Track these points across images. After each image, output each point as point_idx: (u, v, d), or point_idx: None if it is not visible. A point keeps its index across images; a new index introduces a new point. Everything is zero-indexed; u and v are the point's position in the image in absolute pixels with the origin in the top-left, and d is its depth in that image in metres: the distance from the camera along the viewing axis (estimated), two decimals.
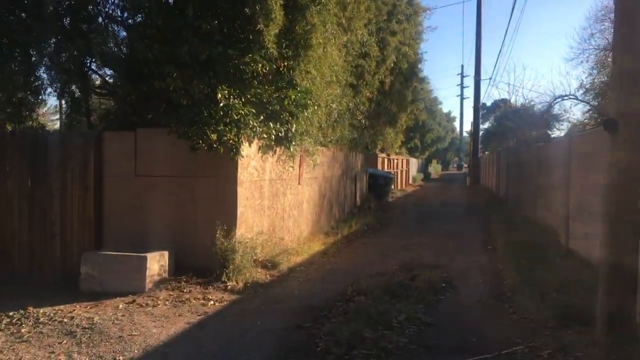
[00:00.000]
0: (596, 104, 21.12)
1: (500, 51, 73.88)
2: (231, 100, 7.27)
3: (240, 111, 7.33)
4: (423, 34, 21.46)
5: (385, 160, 28.18)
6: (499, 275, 8.30)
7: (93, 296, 6.65)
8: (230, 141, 7.36)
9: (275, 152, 9.14)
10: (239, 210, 7.87)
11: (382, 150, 26.06)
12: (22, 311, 6.01)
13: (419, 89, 27.23)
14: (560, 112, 24.79)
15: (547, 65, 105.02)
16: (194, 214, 7.90)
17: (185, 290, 6.87)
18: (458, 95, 61.00)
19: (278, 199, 9.56)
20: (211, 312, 6.11)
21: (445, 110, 61.08)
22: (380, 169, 25.12)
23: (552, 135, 24.89)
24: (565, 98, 22.57)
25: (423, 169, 54.76)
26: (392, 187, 25.52)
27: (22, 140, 8.15)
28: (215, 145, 7.26)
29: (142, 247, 7.40)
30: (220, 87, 7.16)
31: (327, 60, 10.20)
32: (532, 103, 24.81)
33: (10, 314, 5.93)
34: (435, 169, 65.16)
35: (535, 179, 13.88)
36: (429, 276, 7.83)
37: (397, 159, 32.57)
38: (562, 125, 25.88)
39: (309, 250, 10.06)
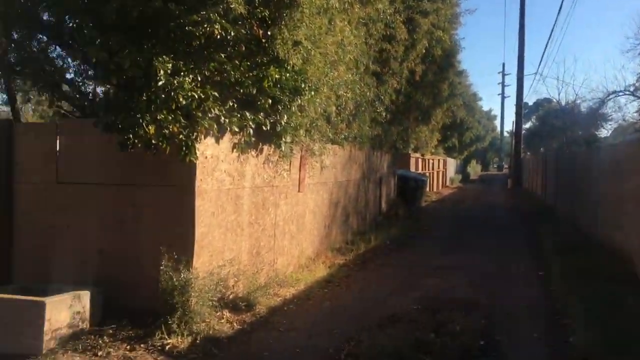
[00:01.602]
0: None
1: (547, 42, 67.90)
2: (178, 78, 5.11)
3: (192, 93, 5.16)
4: (460, 16, 18.41)
5: (419, 160, 25.86)
6: (561, 325, 5.91)
7: None
8: (180, 136, 5.22)
9: (261, 152, 6.98)
10: (199, 230, 5.71)
11: (415, 150, 23.64)
12: None
13: (457, 83, 24.45)
14: (614, 109, 22.12)
15: (600, 57, 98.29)
16: (137, 235, 5.78)
17: (101, 353, 4.72)
18: (499, 94, 57.56)
19: (266, 212, 7.37)
20: None
21: (485, 108, 57.47)
22: (414, 171, 22.73)
23: (600, 136, 22.10)
24: (620, 94, 19.95)
25: (461, 169, 51.78)
26: (426, 190, 23.08)
27: None
28: (154, 142, 5.12)
29: (63, 283, 5.34)
30: (160, 59, 5.00)
31: (334, 34, 7.97)
32: (583, 100, 22.23)
33: None
34: (474, 169, 62.09)
35: (597, 188, 11.27)
36: (462, 327, 5.55)
37: (432, 159, 30.11)
38: (610, 125, 23.16)
39: (308, 278, 7.83)
